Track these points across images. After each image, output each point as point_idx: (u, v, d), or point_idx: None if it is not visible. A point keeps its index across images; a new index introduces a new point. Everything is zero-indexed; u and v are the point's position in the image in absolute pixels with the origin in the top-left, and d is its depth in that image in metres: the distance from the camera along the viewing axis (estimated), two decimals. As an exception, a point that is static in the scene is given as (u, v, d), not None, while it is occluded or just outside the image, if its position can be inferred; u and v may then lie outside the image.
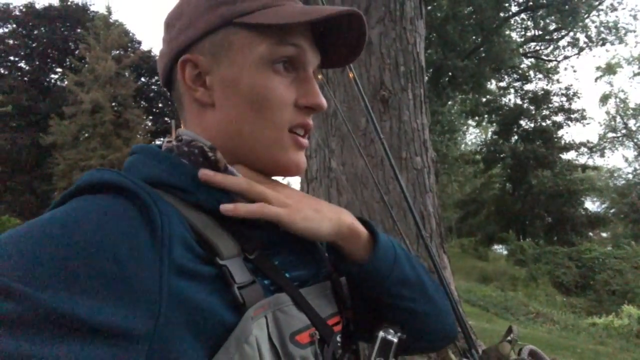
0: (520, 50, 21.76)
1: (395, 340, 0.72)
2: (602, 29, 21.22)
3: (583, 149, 26.93)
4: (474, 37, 19.22)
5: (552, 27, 21.31)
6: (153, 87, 26.17)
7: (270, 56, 0.64)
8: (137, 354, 0.43)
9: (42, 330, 0.39)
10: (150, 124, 24.82)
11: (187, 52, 0.66)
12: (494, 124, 27.70)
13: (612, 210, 30.80)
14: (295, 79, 0.67)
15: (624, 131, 32.73)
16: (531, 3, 19.40)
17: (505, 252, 24.74)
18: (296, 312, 0.61)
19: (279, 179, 0.75)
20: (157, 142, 0.72)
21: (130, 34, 25.12)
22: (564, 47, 23.03)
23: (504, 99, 26.42)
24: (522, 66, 24.23)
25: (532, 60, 24.73)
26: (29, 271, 0.41)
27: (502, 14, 18.97)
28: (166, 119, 25.84)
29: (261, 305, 0.56)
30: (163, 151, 0.65)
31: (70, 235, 0.45)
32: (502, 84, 25.68)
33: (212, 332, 0.51)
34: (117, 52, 23.37)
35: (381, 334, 0.72)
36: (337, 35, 0.71)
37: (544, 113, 25.50)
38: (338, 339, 0.67)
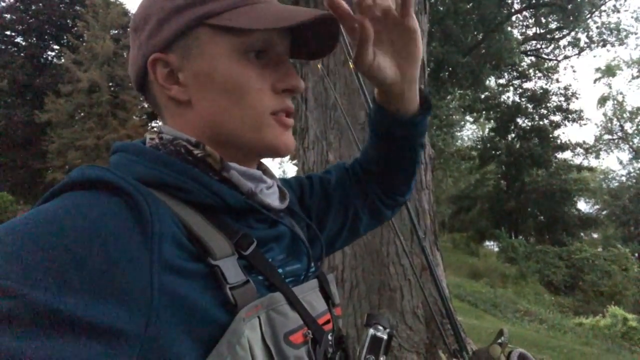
0: (521, 48, 21.72)
1: (385, 337, 0.74)
2: (603, 30, 21.21)
3: (579, 150, 27.04)
4: (475, 33, 19.16)
5: (554, 25, 21.26)
6: (151, 68, 25.96)
7: (241, 46, 0.63)
8: (128, 352, 0.43)
9: (32, 327, 0.39)
10: (146, 105, 24.66)
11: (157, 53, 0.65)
12: (492, 121, 27.72)
13: (604, 212, 31.00)
14: (267, 64, 0.66)
15: (619, 134, 32.87)
16: (534, 1, 19.34)
17: (496, 249, 24.91)
18: (290, 312, 0.61)
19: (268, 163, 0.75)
20: (137, 140, 0.70)
21: (130, 14, 24.85)
22: (564, 47, 23.03)
23: (502, 96, 26.40)
24: (522, 64, 24.21)
25: (533, 58, 24.71)
26: (17, 268, 0.41)
27: (505, 11, 18.89)
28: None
29: (254, 305, 0.55)
30: (150, 148, 0.64)
31: (60, 231, 0.44)
32: (502, 81, 25.67)
33: (206, 330, 0.51)
34: (116, 31, 23.16)
35: (371, 331, 0.74)
36: (309, 30, 0.70)
37: (541, 112, 25.51)
38: (329, 337, 0.67)
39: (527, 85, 25.70)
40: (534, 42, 23.33)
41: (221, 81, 0.63)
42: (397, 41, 0.72)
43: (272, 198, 0.70)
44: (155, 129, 0.70)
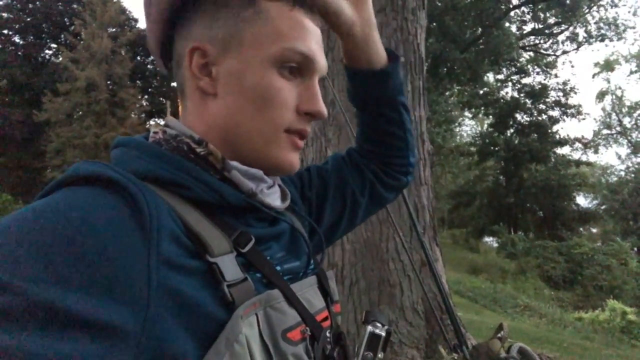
0: (520, 43, 21.71)
1: (383, 334, 0.74)
2: (601, 24, 21.21)
3: (577, 145, 27.05)
4: (473, 29, 19.15)
5: (552, 20, 21.25)
6: (149, 66, 25.91)
7: (280, 58, 0.64)
8: (126, 349, 0.43)
9: (27, 322, 0.38)
10: (145, 103, 24.64)
11: (197, 37, 0.66)
12: (490, 117, 27.71)
13: (603, 207, 31.03)
14: (299, 85, 0.67)
15: (618, 128, 32.89)
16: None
17: (495, 245, 24.94)
18: (288, 309, 0.61)
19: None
20: (139, 135, 0.71)
21: (127, 12, 24.83)
22: (563, 42, 23.05)
23: (501, 91, 26.40)
24: (520, 60, 24.20)
25: (531, 53, 24.70)
26: (13, 262, 0.40)
27: (503, 6, 18.88)
28: (161, 98, 25.68)
29: (252, 302, 0.55)
30: (151, 144, 0.64)
31: (57, 226, 0.44)
32: (500, 77, 25.66)
33: (204, 327, 0.51)
34: (114, 29, 23.10)
35: (369, 328, 0.74)
36: None
37: (540, 107, 25.50)
38: (327, 334, 0.67)
39: (526, 80, 25.73)
40: (532, 37, 23.33)
41: (250, 87, 0.64)
42: None
43: (272, 198, 0.70)
44: (162, 121, 0.71)
